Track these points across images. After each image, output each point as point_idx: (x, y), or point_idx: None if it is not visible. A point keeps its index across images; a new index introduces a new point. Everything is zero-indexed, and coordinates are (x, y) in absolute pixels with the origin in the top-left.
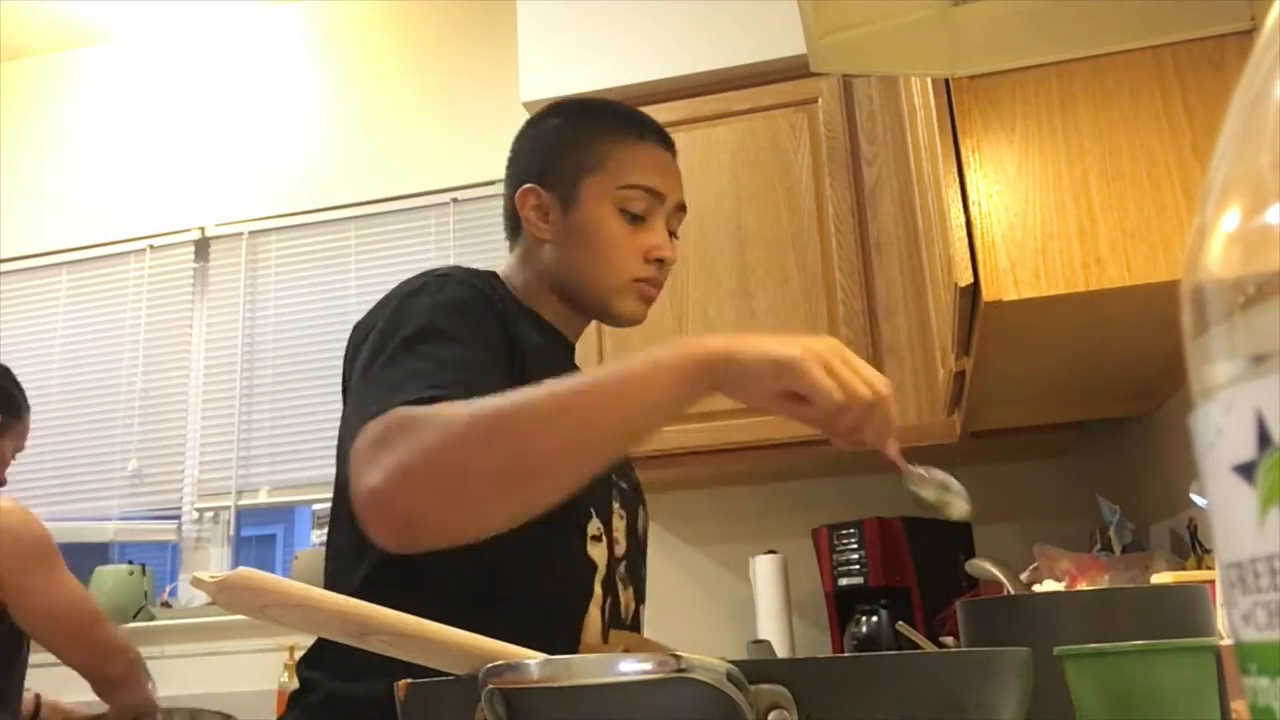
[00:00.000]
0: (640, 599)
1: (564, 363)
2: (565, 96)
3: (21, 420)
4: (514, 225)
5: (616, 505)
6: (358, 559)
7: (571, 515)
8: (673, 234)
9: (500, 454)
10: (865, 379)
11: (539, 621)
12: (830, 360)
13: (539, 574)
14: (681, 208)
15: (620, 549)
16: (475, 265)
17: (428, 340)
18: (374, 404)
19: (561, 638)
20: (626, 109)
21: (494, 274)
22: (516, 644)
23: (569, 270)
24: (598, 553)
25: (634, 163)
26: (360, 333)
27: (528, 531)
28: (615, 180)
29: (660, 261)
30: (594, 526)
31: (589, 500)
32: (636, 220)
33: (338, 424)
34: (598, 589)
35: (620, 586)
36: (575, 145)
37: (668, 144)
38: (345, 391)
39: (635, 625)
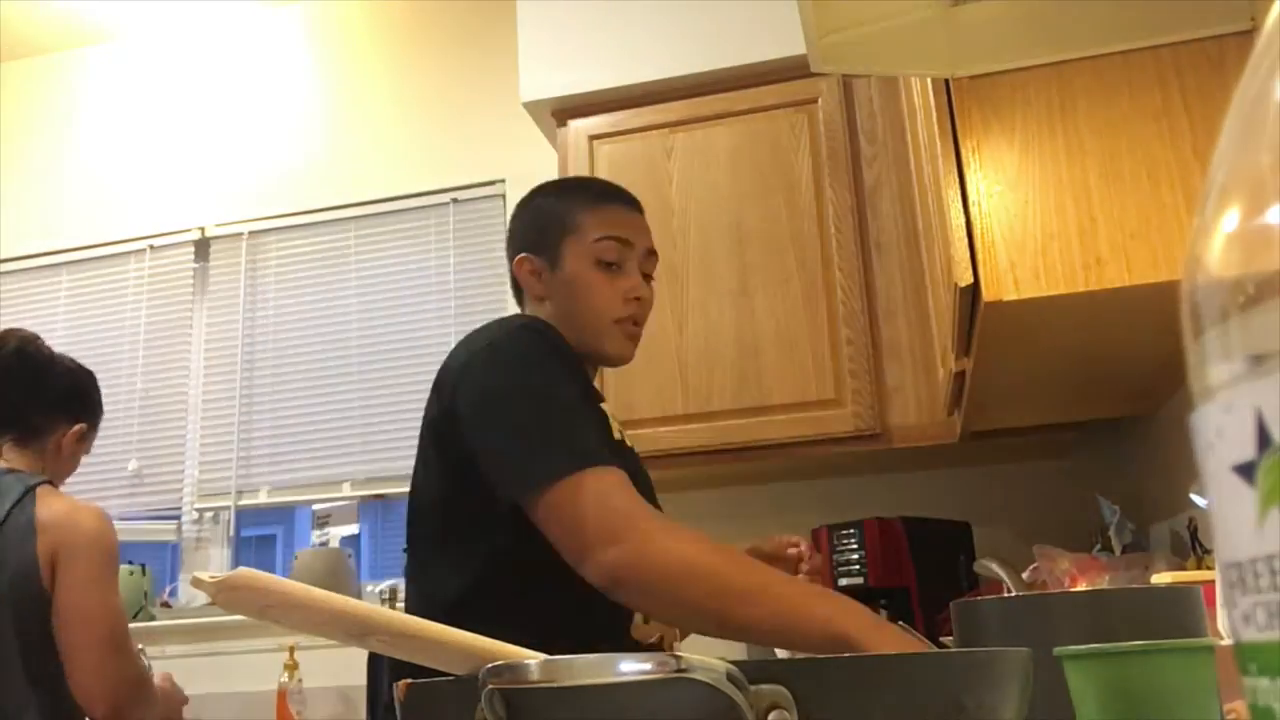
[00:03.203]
0: None
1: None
2: (546, 180)
3: (97, 426)
4: (518, 289)
5: None
6: (459, 573)
7: None
8: (648, 277)
9: (718, 606)
10: None
11: (605, 623)
12: None
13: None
14: (652, 253)
15: None
16: (475, 265)
17: (563, 398)
18: (562, 458)
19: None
20: (596, 181)
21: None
22: (588, 637)
23: (566, 320)
24: None
25: (601, 220)
26: (469, 378)
27: None
28: (589, 236)
29: (638, 300)
30: None
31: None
32: (613, 268)
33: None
34: None
35: None
36: (554, 215)
37: (630, 202)
38: (433, 418)
39: None
